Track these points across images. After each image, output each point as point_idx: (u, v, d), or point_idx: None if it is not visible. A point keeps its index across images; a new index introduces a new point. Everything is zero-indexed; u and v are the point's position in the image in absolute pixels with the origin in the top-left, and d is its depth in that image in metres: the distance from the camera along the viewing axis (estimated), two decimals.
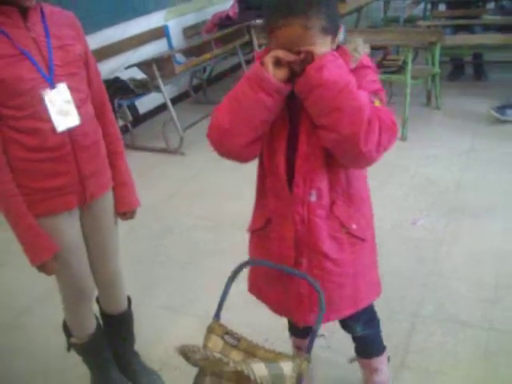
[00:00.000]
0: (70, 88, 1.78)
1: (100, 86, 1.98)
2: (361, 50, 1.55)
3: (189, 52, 5.33)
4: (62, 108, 1.75)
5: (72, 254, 1.96)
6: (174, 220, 3.73)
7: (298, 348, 2.16)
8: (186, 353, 1.54)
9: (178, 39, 5.92)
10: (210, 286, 2.94)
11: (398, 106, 4.44)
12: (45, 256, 1.84)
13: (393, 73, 4.72)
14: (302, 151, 1.56)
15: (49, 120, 1.73)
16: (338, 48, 1.53)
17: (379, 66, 4.93)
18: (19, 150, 1.74)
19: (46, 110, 1.72)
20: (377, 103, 1.47)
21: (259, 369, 1.42)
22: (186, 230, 3.59)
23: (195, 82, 6.24)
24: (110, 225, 2.09)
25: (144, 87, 4.95)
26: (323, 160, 1.56)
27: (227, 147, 1.57)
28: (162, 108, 5.53)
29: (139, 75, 5.00)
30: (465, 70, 5.99)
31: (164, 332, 2.67)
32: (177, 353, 1.54)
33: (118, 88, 4.94)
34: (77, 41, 1.83)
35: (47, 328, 2.76)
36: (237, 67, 6.49)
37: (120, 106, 4.95)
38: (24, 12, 1.69)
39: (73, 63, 1.80)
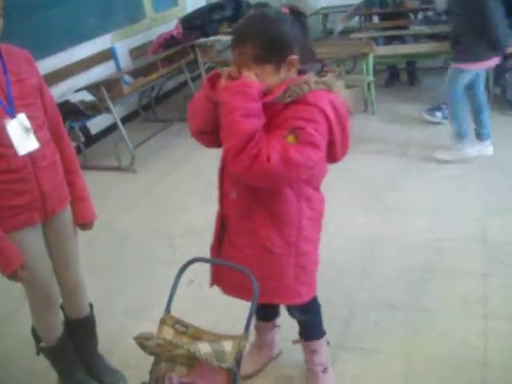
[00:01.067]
0: (28, 116, 2.00)
1: (55, 113, 2.21)
2: (311, 85, 1.67)
3: (136, 73, 5.55)
4: (22, 134, 1.97)
5: (37, 264, 2.17)
6: (129, 232, 3.94)
7: (257, 330, 2.49)
8: (141, 342, 1.77)
9: (125, 60, 6.14)
10: (165, 291, 3.14)
11: None
12: (14, 265, 2.04)
13: None
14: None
15: (11, 146, 1.96)
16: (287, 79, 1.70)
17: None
18: None
19: (8, 137, 1.95)
20: (290, 139, 1.64)
21: (204, 347, 1.67)
22: (141, 241, 3.80)
23: (144, 100, 6.45)
24: (71, 236, 2.31)
25: (94, 109, 5.14)
26: None
27: (189, 129, 1.94)
28: (112, 128, 5.71)
29: (88, 97, 5.19)
30: (400, 77, 6.37)
31: (124, 335, 2.85)
32: (135, 341, 1.77)
33: (68, 111, 5.10)
34: (32, 74, 2.06)
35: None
36: (184, 84, 6.73)
37: (72, 128, 5.13)
38: None
39: (29, 94, 2.03)
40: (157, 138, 5.62)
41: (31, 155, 2.01)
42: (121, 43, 6.11)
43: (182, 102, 6.16)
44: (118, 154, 5.04)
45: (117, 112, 5.36)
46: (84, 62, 5.61)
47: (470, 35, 3.87)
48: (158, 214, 4.14)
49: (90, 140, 5.63)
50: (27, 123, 1.99)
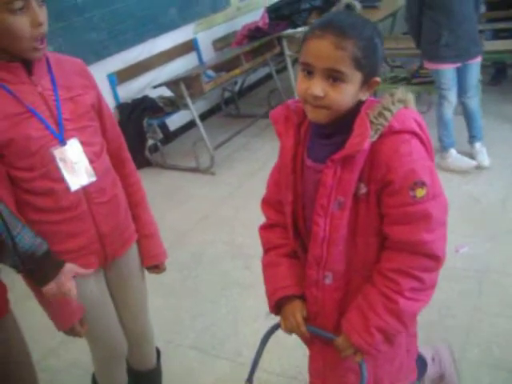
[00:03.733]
0: (83, 143, 1.67)
1: (116, 135, 1.86)
2: (392, 109, 1.32)
3: (218, 67, 5.21)
4: (74, 165, 1.64)
5: (99, 314, 1.86)
6: (204, 247, 3.61)
7: None
8: None
9: (207, 52, 5.81)
10: (241, 323, 2.83)
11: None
12: (71, 322, 1.74)
13: (431, 82, 4.49)
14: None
15: (61, 179, 1.63)
16: (359, 116, 1.32)
17: (416, 75, 4.73)
18: (33, 212, 1.65)
19: (57, 168, 1.62)
20: (420, 193, 1.31)
21: None
22: (216, 259, 3.46)
23: (227, 94, 6.12)
24: (137, 281, 1.98)
25: (173, 105, 4.86)
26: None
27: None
28: (193, 123, 5.38)
29: (168, 92, 4.90)
30: (507, 73, 5.71)
31: (193, 376, 2.56)
32: None
33: (146, 107, 4.87)
34: (88, 89, 1.72)
35: (73, 370, 2.71)
36: (268, 77, 6.36)
37: (150, 125, 4.88)
38: (28, 65, 1.57)
39: (84, 115, 1.69)
40: (238, 137, 5.26)
41: (86, 190, 1.68)
42: (203, 34, 5.78)
43: (267, 97, 5.80)
44: (196, 155, 4.73)
45: (197, 107, 5.07)
46: (165, 55, 5.32)
47: None
48: (235, 225, 3.77)
49: (169, 137, 5.35)
50: (81, 151, 1.66)
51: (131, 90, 4.99)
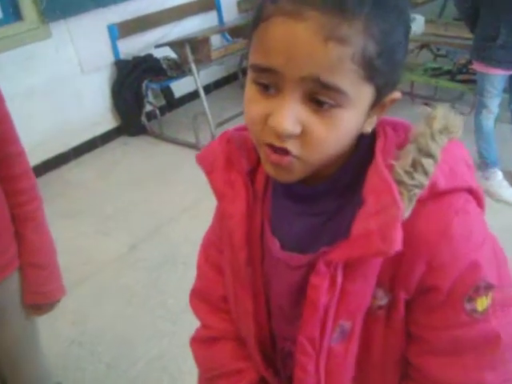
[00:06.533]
0: None
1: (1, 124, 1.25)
2: (435, 153, 0.70)
3: (236, 32, 4.57)
4: None
5: None
6: (181, 246, 3.03)
7: None
8: None
9: (230, 13, 5.15)
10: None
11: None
12: None
13: None
14: None
15: None
16: (372, 169, 0.72)
17: (464, 70, 4.05)
18: None
19: None
20: (482, 305, 0.71)
21: None
22: (192, 264, 2.82)
23: (246, 63, 5.47)
24: (15, 320, 1.41)
25: (179, 69, 4.24)
26: None
27: None
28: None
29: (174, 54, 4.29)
30: None
31: None
32: None
33: (148, 68, 4.27)
34: None
35: None
36: None
37: (151, 89, 4.31)
38: None
39: None
40: None
41: None
42: None
43: None
44: (196, 130, 4.13)
45: (211, 71, 4.48)
46: (178, 10, 4.68)
47: None
48: None
49: (172, 104, 4.73)
50: None
51: (134, 47, 4.38)
